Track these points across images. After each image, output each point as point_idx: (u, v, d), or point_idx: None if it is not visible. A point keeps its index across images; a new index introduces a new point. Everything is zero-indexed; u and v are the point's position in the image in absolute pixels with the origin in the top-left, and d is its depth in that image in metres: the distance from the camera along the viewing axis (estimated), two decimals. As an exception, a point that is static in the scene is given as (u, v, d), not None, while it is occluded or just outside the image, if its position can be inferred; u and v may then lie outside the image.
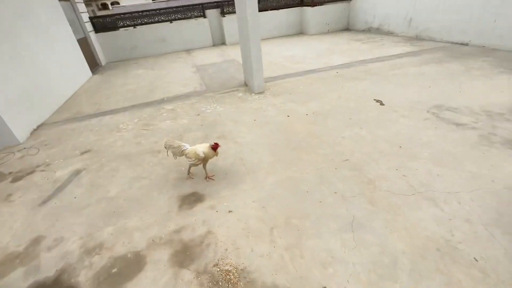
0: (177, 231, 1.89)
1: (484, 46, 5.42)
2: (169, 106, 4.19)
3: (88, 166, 2.82)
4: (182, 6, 8.68)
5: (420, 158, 2.35)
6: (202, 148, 2.22)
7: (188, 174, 2.45)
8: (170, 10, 8.51)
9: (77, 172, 2.74)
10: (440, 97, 3.45)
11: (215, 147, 2.21)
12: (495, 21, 5.14)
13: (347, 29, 9.42)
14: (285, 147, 2.75)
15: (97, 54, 7.75)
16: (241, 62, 5.90)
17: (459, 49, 5.51)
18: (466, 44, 5.73)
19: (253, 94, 4.30)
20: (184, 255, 1.71)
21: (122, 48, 8.36)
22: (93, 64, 7.40)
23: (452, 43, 5.99)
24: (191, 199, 2.18)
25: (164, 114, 3.91)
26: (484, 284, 1.36)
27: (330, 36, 8.45)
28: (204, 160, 2.24)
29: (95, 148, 3.18)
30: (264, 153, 2.69)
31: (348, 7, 9.08)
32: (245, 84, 4.81)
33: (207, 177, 2.38)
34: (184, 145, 2.30)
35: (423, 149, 2.46)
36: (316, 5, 8.82)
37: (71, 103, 4.90)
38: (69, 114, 4.36)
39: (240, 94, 4.37)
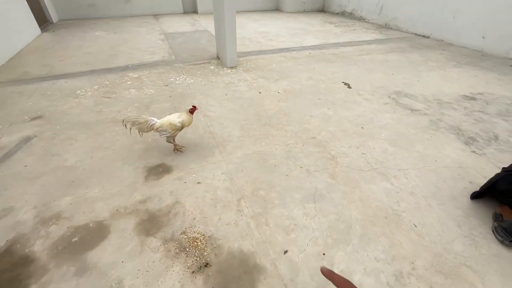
0: (143, 201, 1.86)
1: (442, 40, 5.86)
2: (134, 74, 3.90)
3: (40, 133, 2.57)
4: (150, -36, 7.83)
5: (378, 138, 2.56)
6: (175, 117, 2.14)
7: (175, 148, 2.32)
8: (136, -34, 7.63)
9: (27, 139, 2.48)
10: (400, 84, 3.72)
11: (193, 110, 2.15)
12: (454, 17, 5.54)
13: (322, 10, 9.41)
14: (255, 123, 2.78)
15: (47, 9, 6.76)
16: (213, 33, 5.63)
17: (421, 41, 5.89)
18: (428, 37, 6.14)
19: (225, 68, 4.18)
20: (151, 224, 1.70)
21: (77, 3, 7.38)
22: (42, 20, 6.46)
23: (416, 34, 6.37)
24: (158, 170, 2.14)
25: (128, 82, 3.65)
26: (418, 245, 1.60)
27: (305, 16, 8.39)
28: (180, 129, 2.18)
29: (48, 114, 2.88)
30: (234, 128, 2.69)
31: (324, -12, 9.01)
32: (217, 57, 4.64)
33: (175, 149, 2.33)
34: (152, 119, 2.17)
35: (382, 130, 2.68)
36: (293, -19, 8.60)
37: (15, 63, 4.29)
38: (14, 75, 3.83)
39: (212, 67, 4.22)
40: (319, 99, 3.28)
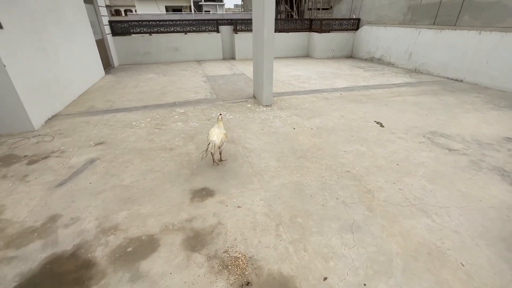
0: (189, 220, 2.02)
1: (477, 84, 5.84)
2: (180, 110, 4.39)
3: (102, 156, 2.96)
4: (198, 20, 9.16)
5: (415, 175, 2.55)
6: (219, 129, 2.62)
7: (219, 159, 2.81)
8: (186, 22, 8.97)
9: (91, 161, 2.87)
10: (434, 124, 3.73)
11: (220, 116, 2.74)
12: (487, 62, 5.59)
13: (350, 56, 9.96)
14: (290, 155, 2.94)
15: (111, 56, 8.05)
16: (250, 76, 6.23)
17: (454, 84, 5.92)
18: (461, 81, 6.16)
19: (261, 106, 4.54)
20: (196, 241, 1.84)
21: (135, 52, 8.69)
22: (107, 64, 7.67)
23: (448, 78, 6.42)
24: (202, 193, 2.33)
25: (176, 116, 4.11)
26: (468, 285, 1.52)
27: (334, 61, 8.93)
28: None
29: (109, 140, 3.33)
30: (270, 159, 2.87)
31: (353, 37, 9.67)
32: (254, 97, 5.07)
33: (216, 161, 2.78)
34: (211, 141, 2.46)
35: (418, 168, 2.67)
36: (323, 32, 9.39)
37: (84, 98, 5.08)
38: (83, 108, 4.52)
39: (249, 105, 4.61)
40: (352, 136, 3.40)
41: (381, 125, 3.72)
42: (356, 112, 4.22)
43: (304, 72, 7.34)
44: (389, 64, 8.22)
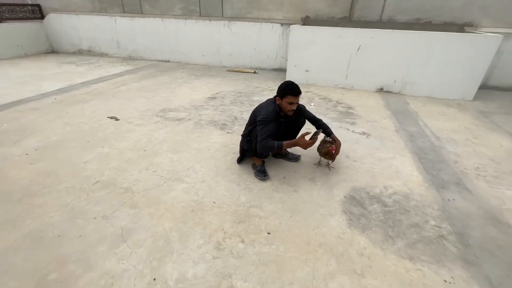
0: None
1: (179, 62, 7.22)
2: None
3: None
4: None
5: (162, 153, 2.78)
6: None
7: None
8: None
9: None
10: (161, 103, 4.19)
11: None
12: (178, 43, 6.96)
13: (52, 51, 8.23)
14: (3, 204, 2.03)
15: None
16: None
17: (165, 65, 6.90)
18: (168, 61, 7.30)
19: None
20: None
21: None
22: None
23: (159, 60, 7.34)
24: None
25: None
26: (221, 214, 1.98)
27: (32, 61, 6.97)
28: None
29: None
30: (-35, 227, 1.81)
31: (42, 28, 7.87)
32: None
33: None
34: None
35: (162, 145, 2.93)
36: (-11, 22, 6.74)
37: None
38: None
39: None
40: (88, 141, 2.96)
41: (116, 119, 3.56)
42: (83, 114, 3.69)
43: (-18, 81, 5.06)
44: (102, 54, 7.82)
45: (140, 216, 1.94)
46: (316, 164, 2.66)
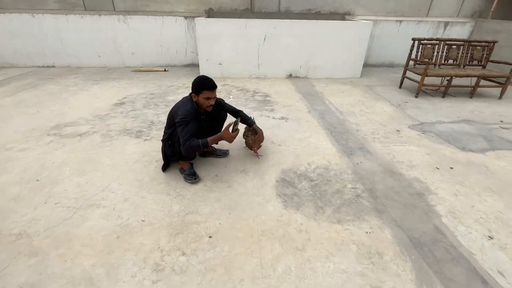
0: None
1: (69, 66, 6.04)
2: None
3: None
4: None
5: (63, 179, 2.28)
6: None
7: None
8: None
9: None
10: (54, 118, 3.43)
11: None
12: (62, 44, 5.78)
13: None
14: None
15: None
16: None
17: (49, 71, 5.65)
18: (53, 66, 6.00)
19: None
20: None
21: None
22: None
23: (39, 67, 5.96)
24: None
25: None
26: (154, 231, 1.78)
27: None
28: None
29: None
30: None
31: None
32: None
33: None
34: None
35: (63, 169, 2.41)
36: None
37: None
38: None
39: None
40: None
41: (-15, 148, 2.72)
42: None
43: None
44: None
45: (47, 263, 1.55)
46: (257, 156, 2.66)
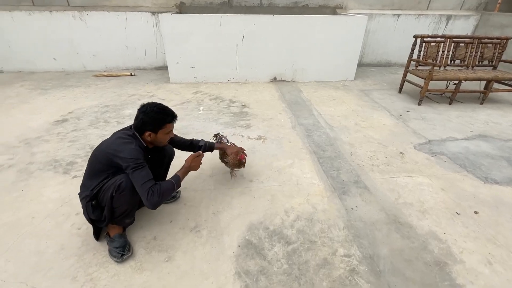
0: None
1: (20, 71, 5.22)
2: None
3: None
4: None
5: None
6: None
7: None
8: None
9: None
10: (-35, 144, 2.68)
11: None
12: (9, 46, 4.96)
13: None
14: None
15: None
16: None
17: (-7, 78, 4.84)
18: (1, 71, 5.18)
19: None
20: None
21: None
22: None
23: (-17, 72, 5.13)
24: None
25: None
26: None
27: None
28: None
29: None
30: None
31: None
32: None
33: None
34: None
35: None
36: None
37: None
38: None
39: None
40: None
41: None
42: None
43: None
44: None
45: None
46: (231, 175, 2.21)
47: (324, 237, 1.71)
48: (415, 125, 3.24)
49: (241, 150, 2.02)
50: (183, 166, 1.65)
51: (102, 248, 1.60)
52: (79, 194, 1.60)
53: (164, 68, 5.43)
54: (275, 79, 4.86)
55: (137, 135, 1.54)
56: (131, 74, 5.09)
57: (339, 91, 4.42)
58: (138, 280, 1.43)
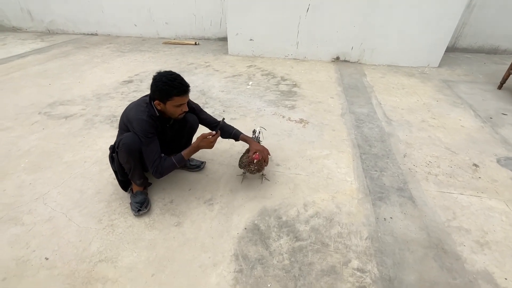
0: None
1: (109, 35, 6.01)
2: None
3: None
4: None
5: (13, 174, 2.00)
6: None
7: None
8: None
9: None
10: (56, 93, 3.27)
11: None
12: (103, 11, 5.70)
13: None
14: None
15: None
16: None
17: (89, 39, 5.71)
18: (96, 34, 6.06)
19: None
20: None
21: None
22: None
23: (84, 34, 6.10)
24: None
25: None
26: (48, 280, 1.32)
27: None
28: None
29: None
30: None
31: None
32: None
33: None
34: None
35: (21, 160, 2.14)
36: None
37: None
38: None
39: None
40: None
41: (-23, 122, 2.67)
42: None
43: None
44: (14, 29, 6.42)
45: None
46: (240, 175, 1.99)
47: (339, 242, 1.51)
48: (508, 133, 2.50)
49: (262, 150, 1.76)
50: (192, 144, 1.61)
51: (128, 200, 1.77)
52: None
53: (226, 39, 5.47)
54: (337, 58, 4.37)
55: (152, 102, 1.56)
56: (195, 43, 5.30)
57: (413, 79, 3.71)
58: (147, 236, 1.55)
